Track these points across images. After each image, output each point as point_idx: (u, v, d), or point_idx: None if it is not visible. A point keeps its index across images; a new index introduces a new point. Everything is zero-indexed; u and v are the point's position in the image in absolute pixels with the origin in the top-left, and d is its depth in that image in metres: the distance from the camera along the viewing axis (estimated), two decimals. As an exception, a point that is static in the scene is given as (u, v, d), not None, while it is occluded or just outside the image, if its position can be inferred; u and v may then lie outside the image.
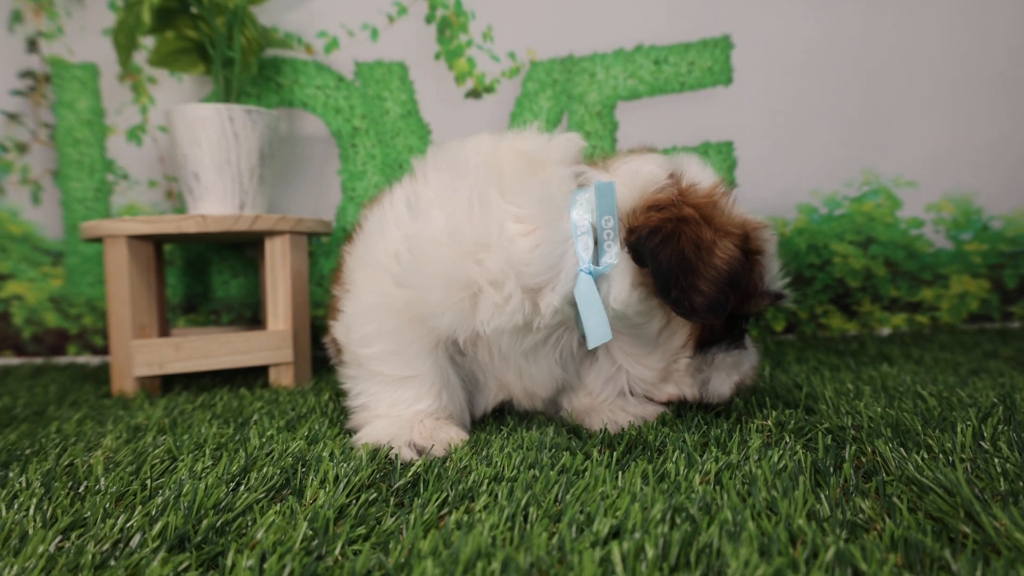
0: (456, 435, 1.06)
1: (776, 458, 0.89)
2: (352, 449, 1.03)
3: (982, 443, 0.91)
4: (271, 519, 0.75)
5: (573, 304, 1.04)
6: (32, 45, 2.05)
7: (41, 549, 0.70)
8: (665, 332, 1.10)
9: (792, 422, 1.07)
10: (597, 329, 1.00)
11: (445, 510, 0.79)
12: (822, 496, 0.77)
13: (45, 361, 2.09)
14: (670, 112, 2.10)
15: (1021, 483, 0.77)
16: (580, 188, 1.06)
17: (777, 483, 0.80)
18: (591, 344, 1.01)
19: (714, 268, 0.99)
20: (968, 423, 0.98)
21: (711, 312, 0.99)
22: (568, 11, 2.08)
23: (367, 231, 1.15)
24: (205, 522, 0.74)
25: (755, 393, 1.27)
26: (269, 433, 1.12)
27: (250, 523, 0.76)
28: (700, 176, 1.09)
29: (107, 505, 0.81)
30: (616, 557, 0.63)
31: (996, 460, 0.84)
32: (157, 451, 1.02)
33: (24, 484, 0.89)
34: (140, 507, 0.79)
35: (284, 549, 0.68)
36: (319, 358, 1.83)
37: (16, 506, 0.81)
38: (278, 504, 0.80)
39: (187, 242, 1.98)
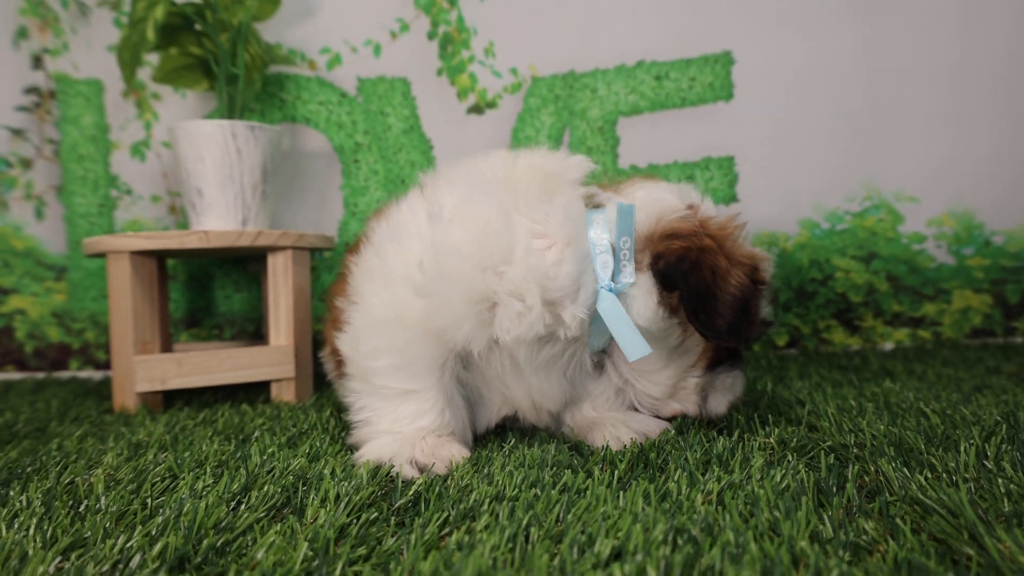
0: (458, 452, 1.06)
1: (779, 477, 0.89)
2: (353, 467, 1.02)
3: (986, 462, 0.91)
4: (272, 539, 0.75)
5: (592, 318, 1.07)
6: (37, 61, 2.06)
7: (41, 570, 0.69)
8: (679, 350, 1.14)
9: (794, 440, 1.07)
10: (633, 342, 1.04)
11: (446, 530, 0.78)
12: (825, 517, 0.76)
13: (47, 376, 2.09)
14: (671, 127, 2.11)
15: (1025, 504, 0.77)
16: (594, 208, 1.11)
17: (780, 503, 0.79)
18: (631, 358, 1.04)
19: (729, 295, 1.05)
20: (971, 442, 0.98)
21: (732, 335, 1.05)
22: (569, 27, 2.09)
23: (377, 241, 1.14)
24: (205, 542, 0.74)
25: (757, 409, 1.27)
26: (270, 450, 1.11)
27: (250, 543, 0.76)
28: (713, 209, 1.16)
29: (107, 525, 0.81)
30: (617, 579, 0.62)
31: (1000, 480, 0.83)
32: (158, 469, 1.02)
33: (25, 503, 0.89)
34: (140, 527, 0.79)
35: (284, 570, 0.68)
36: (321, 374, 1.82)
37: (16, 526, 0.81)
38: (279, 524, 0.80)
39: (190, 257, 1.99)
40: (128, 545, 0.74)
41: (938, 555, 0.68)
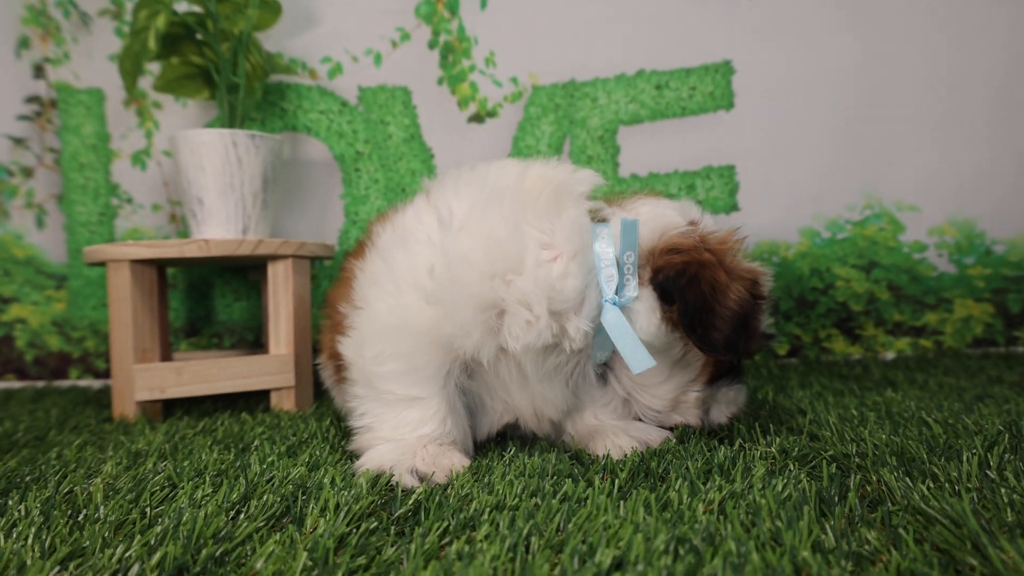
0: (458, 461, 1.05)
1: (780, 487, 0.88)
2: (353, 476, 1.02)
3: (988, 472, 0.90)
4: (271, 549, 0.74)
5: (595, 330, 1.08)
6: (39, 71, 2.07)
7: (39, 580, 0.69)
8: (680, 364, 1.15)
9: (796, 449, 1.06)
10: (637, 356, 1.05)
11: (446, 539, 0.78)
12: (827, 527, 0.76)
13: (47, 385, 2.08)
14: (672, 136, 2.11)
15: (1028, 513, 0.76)
16: (599, 223, 1.12)
17: (781, 513, 0.79)
18: (636, 371, 1.05)
19: (728, 309, 1.06)
20: (974, 451, 0.98)
21: (728, 349, 1.06)
22: (570, 36, 2.10)
23: (383, 247, 1.14)
24: (204, 552, 0.74)
25: (758, 419, 1.27)
26: (270, 459, 1.11)
27: (250, 553, 0.76)
28: (714, 224, 1.17)
29: (106, 534, 0.80)
30: (619, 590, 0.62)
31: (1003, 490, 0.83)
32: (157, 478, 1.02)
33: (23, 512, 0.89)
34: (139, 536, 0.79)
35: (283, 580, 0.67)
36: (321, 382, 1.82)
37: (15, 535, 0.81)
38: (278, 533, 0.80)
39: (190, 266, 1.99)
40: (127, 554, 0.74)
41: (941, 565, 0.67)
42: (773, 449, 1.07)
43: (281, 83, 2.08)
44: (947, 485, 0.87)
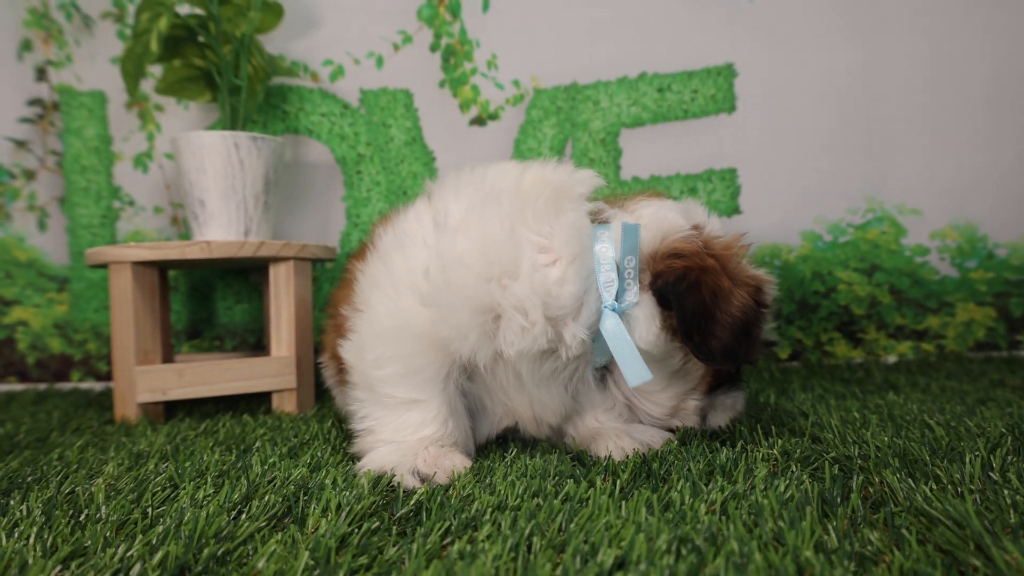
0: (460, 462, 1.05)
1: (783, 488, 0.88)
2: (355, 477, 1.02)
3: (991, 474, 0.90)
4: (272, 548, 0.74)
5: (593, 336, 1.07)
6: (41, 73, 2.07)
7: (40, 579, 0.69)
8: (680, 372, 1.14)
9: (798, 451, 1.06)
10: (634, 368, 1.04)
11: (448, 539, 0.78)
12: (830, 527, 0.76)
13: (48, 387, 2.08)
14: (674, 139, 2.11)
15: (1031, 514, 0.76)
16: (599, 225, 1.10)
17: (784, 513, 0.79)
18: (632, 383, 1.04)
19: (730, 316, 1.04)
20: (976, 454, 0.97)
21: (726, 358, 1.04)
22: (572, 39, 2.10)
23: (383, 249, 1.14)
24: (206, 551, 0.74)
25: (760, 421, 1.27)
26: (271, 460, 1.11)
27: (251, 552, 0.76)
28: (719, 229, 1.15)
29: (108, 534, 0.80)
30: (621, 589, 0.62)
31: (1006, 492, 0.83)
32: (159, 479, 1.02)
33: (25, 512, 0.89)
34: (141, 536, 0.79)
35: (285, 579, 0.67)
36: (322, 384, 1.82)
37: (16, 535, 0.81)
38: (279, 533, 0.80)
39: (192, 268, 1.99)
40: (128, 554, 0.74)
41: (944, 566, 0.67)
42: (775, 451, 1.07)
43: (283, 86, 2.08)
44: (950, 487, 0.87)
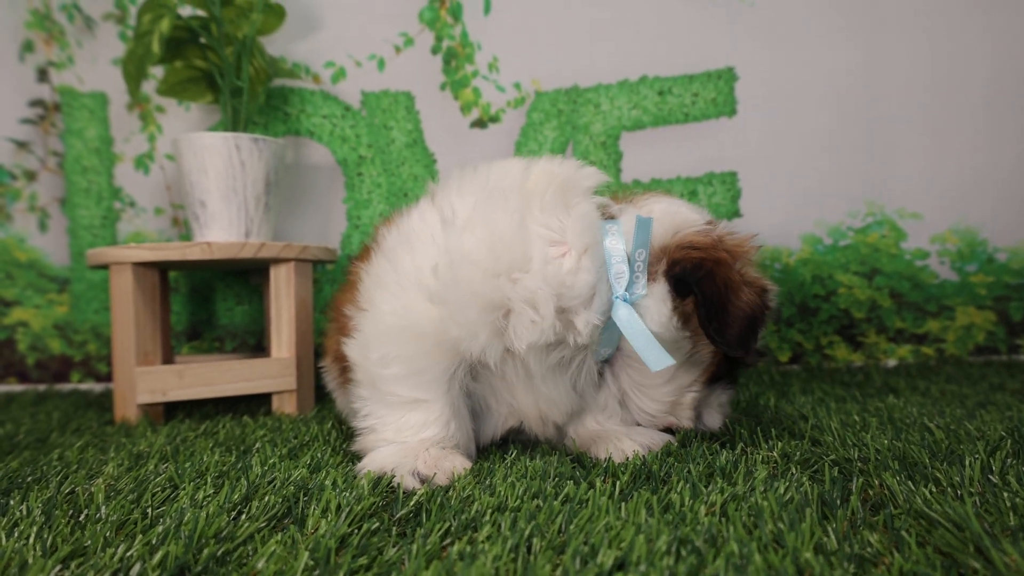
0: (460, 464, 1.05)
1: (782, 490, 0.88)
2: (355, 478, 1.02)
3: (991, 477, 0.90)
4: (272, 549, 0.74)
5: (604, 324, 1.08)
6: (43, 74, 2.07)
7: (40, 578, 0.69)
8: (685, 363, 1.14)
9: (798, 453, 1.06)
10: (654, 353, 1.05)
11: (448, 540, 0.78)
12: (829, 529, 0.76)
13: (48, 388, 2.08)
14: (674, 143, 2.12)
15: (1031, 517, 0.76)
16: (607, 220, 1.12)
17: (784, 515, 0.79)
18: (655, 368, 1.04)
19: (740, 308, 1.07)
20: (976, 456, 0.98)
21: (741, 345, 1.06)
22: (573, 42, 2.11)
23: (388, 248, 1.13)
24: (206, 551, 0.74)
25: (760, 423, 1.27)
26: (271, 461, 1.11)
27: (251, 552, 0.76)
28: (730, 227, 1.18)
29: (107, 534, 0.80)
30: (621, 590, 0.62)
31: (1005, 494, 0.83)
32: (159, 479, 1.02)
33: (25, 512, 0.89)
34: (140, 536, 0.79)
35: (285, 579, 0.67)
36: (323, 386, 1.82)
37: (16, 534, 0.81)
38: (279, 533, 0.80)
39: (192, 269, 1.99)
40: (128, 554, 0.74)
41: (944, 568, 0.67)
42: (775, 453, 1.07)
43: (284, 87, 2.08)
44: (949, 489, 0.87)
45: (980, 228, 2.15)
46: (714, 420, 1.23)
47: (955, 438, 1.12)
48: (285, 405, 1.64)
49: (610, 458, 1.07)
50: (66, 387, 2.10)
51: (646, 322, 1.07)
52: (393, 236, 1.14)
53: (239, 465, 1.09)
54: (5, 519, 0.86)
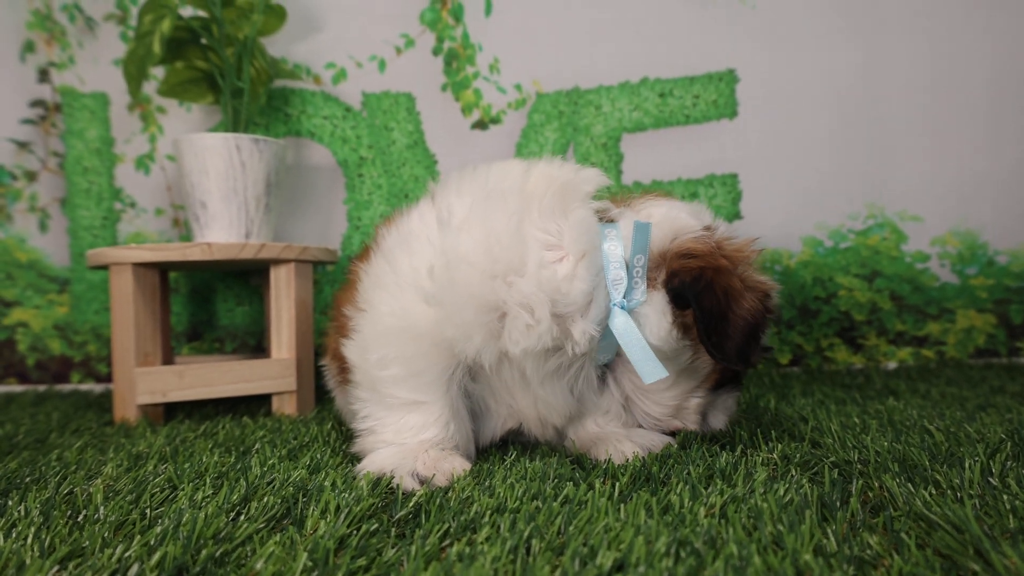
0: (459, 465, 1.05)
1: (782, 492, 0.88)
2: (354, 479, 1.02)
3: (991, 479, 0.90)
4: (271, 549, 0.74)
5: (602, 333, 1.07)
6: (44, 75, 2.07)
7: (38, 578, 0.69)
8: (687, 371, 1.14)
9: (798, 455, 1.06)
10: (648, 365, 1.04)
11: (447, 541, 0.78)
12: (829, 531, 0.75)
13: (48, 388, 2.08)
14: (675, 144, 2.12)
15: (1031, 520, 0.76)
16: (606, 223, 1.10)
17: (783, 517, 0.79)
18: (647, 380, 1.03)
19: (741, 317, 1.05)
20: (976, 459, 0.97)
21: (739, 358, 1.05)
22: (574, 44, 2.11)
23: (387, 248, 1.13)
24: (204, 552, 0.73)
25: (760, 425, 1.26)
26: (271, 462, 1.11)
27: (250, 553, 0.76)
28: (729, 231, 1.16)
29: (106, 534, 0.80)
30: (620, 592, 0.62)
31: (1005, 497, 0.82)
32: (158, 480, 1.02)
33: (23, 513, 0.89)
34: (139, 536, 0.78)
35: (283, 580, 0.67)
36: (322, 386, 1.82)
37: (14, 535, 0.81)
38: (278, 534, 0.79)
39: (193, 270, 1.99)
40: (127, 554, 0.74)
41: (943, 570, 0.67)
42: (775, 455, 1.07)
43: (285, 88, 2.08)
44: (949, 491, 0.87)
45: (980, 231, 2.15)
46: (718, 421, 1.22)
47: (955, 440, 1.12)
48: (285, 406, 1.64)
49: (610, 460, 1.06)
50: (66, 388, 2.10)
51: (645, 333, 1.06)
52: (392, 236, 1.14)
53: (238, 466, 1.09)
54: (3, 520, 0.86)
